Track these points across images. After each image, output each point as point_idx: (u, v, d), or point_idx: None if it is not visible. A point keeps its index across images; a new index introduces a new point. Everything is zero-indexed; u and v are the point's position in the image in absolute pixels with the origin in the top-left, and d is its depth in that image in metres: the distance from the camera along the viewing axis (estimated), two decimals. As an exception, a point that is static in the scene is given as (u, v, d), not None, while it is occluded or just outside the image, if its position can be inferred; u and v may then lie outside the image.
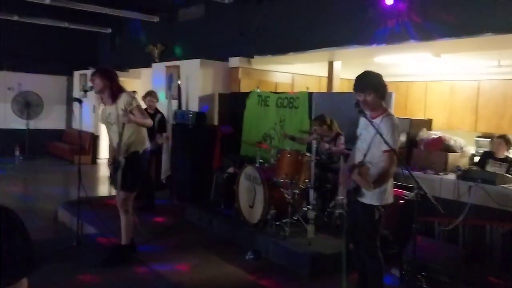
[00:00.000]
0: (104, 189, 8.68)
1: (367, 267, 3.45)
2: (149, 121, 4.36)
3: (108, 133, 4.46)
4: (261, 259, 4.60)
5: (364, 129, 3.39)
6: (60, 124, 12.95)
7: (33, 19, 10.58)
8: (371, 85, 3.29)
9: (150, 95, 6.60)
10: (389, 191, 3.37)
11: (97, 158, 11.70)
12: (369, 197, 3.26)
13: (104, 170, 10.19)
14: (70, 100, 12.88)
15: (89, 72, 11.65)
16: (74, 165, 10.99)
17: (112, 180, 4.34)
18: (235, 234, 5.21)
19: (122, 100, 4.20)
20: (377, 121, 3.26)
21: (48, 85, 12.48)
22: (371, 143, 3.26)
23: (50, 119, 12.61)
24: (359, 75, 3.37)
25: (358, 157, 3.39)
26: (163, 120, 6.63)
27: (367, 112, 3.31)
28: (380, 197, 3.28)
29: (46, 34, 11.76)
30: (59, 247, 4.50)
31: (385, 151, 3.20)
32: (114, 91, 4.26)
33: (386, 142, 3.12)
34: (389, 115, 3.31)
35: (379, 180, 3.16)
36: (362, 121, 3.46)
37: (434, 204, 2.96)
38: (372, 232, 3.35)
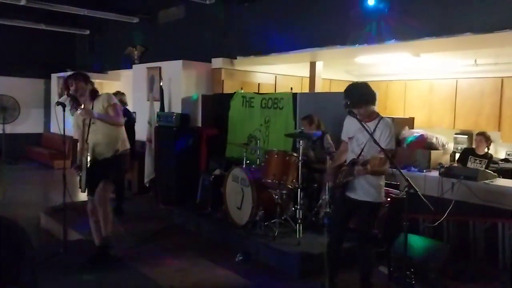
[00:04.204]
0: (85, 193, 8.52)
1: (359, 258, 3.61)
2: (117, 120, 4.35)
3: (84, 135, 4.45)
4: (251, 260, 4.61)
5: (360, 132, 3.46)
6: (38, 128, 12.68)
7: (8, 21, 10.33)
8: (360, 99, 3.41)
9: (116, 95, 6.50)
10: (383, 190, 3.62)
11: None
12: (377, 195, 3.45)
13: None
14: (48, 103, 12.64)
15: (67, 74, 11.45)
16: (54, 170, 10.80)
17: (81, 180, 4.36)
18: (223, 236, 5.19)
19: (101, 100, 4.34)
20: (372, 124, 3.40)
21: (25, 89, 12.23)
22: (367, 143, 3.38)
23: (27, 124, 12.36)
24: (345, 92, 3.48)
25: (350, 158, 3.53)
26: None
27: (362, 118, 3.42)
28: (382, 195, 3.56)
29: (22, 37, 11.50)
30: (45, 255, 4.39)
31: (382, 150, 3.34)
32: (94, 91, 4.42)
33: (381, 148, 3.20)
34: (384, 118, 3.49)
35: (378, 168, 3.28)
36: (354, 124, 3.50)
37: (424, 202, 3.02)
38: (372, 224, 3.64)
